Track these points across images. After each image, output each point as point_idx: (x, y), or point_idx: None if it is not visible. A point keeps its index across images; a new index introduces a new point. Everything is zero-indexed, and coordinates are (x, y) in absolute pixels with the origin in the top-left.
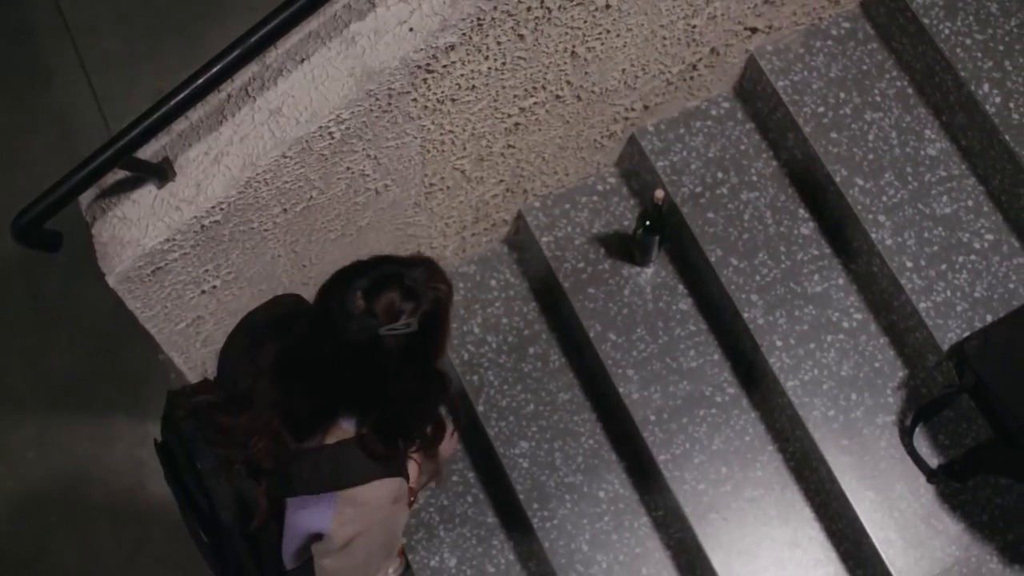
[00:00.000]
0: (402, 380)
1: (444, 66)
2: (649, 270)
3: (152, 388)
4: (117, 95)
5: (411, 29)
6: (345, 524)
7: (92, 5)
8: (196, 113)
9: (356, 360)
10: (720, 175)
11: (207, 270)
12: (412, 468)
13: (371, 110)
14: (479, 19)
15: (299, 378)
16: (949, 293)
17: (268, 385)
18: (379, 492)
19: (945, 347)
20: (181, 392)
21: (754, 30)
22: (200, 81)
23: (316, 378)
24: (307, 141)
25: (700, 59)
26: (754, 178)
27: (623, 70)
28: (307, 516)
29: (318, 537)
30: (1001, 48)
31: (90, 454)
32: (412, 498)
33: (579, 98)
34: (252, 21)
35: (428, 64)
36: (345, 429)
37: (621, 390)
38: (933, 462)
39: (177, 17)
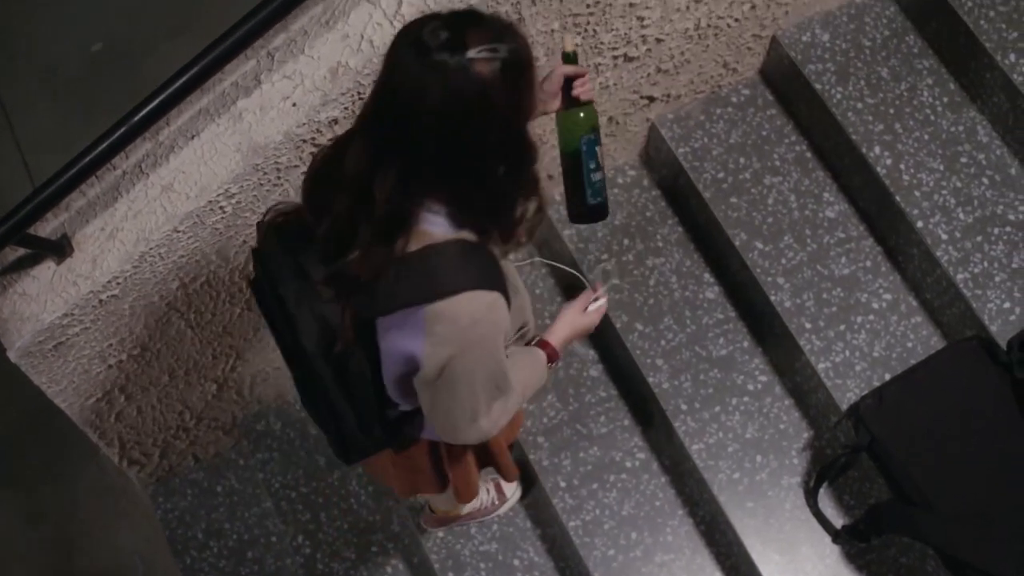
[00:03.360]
0: (495, 138)
1: (329, 140)
2: None
3: (78, 466)
4: (51, 173)
5: (294, 104)
6: (437, 345)
7: (26, 83)
8: (93, 190)
9: (445, 106)
10: (626, 242)
11: (111, 344)
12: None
13: (261, 184)
14: (359, 93)
15: (376, 158)
16: (848, 353)
17: (353, 177)
18: (471, 306)
19: (844, 407)
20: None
21: (652, 99)
22: (82, 163)
23: (396, 149)
24: (198, 215)
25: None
26: (660, 244)
27: None
28: (399, 337)
29: (415, 366)
30: (891, 112)
31: (14, 531)
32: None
33: None
34: None
35: (313, 138)
36: (431, 233)
37: (532, 457)
38: (838, 522)
39: (112, 96)
